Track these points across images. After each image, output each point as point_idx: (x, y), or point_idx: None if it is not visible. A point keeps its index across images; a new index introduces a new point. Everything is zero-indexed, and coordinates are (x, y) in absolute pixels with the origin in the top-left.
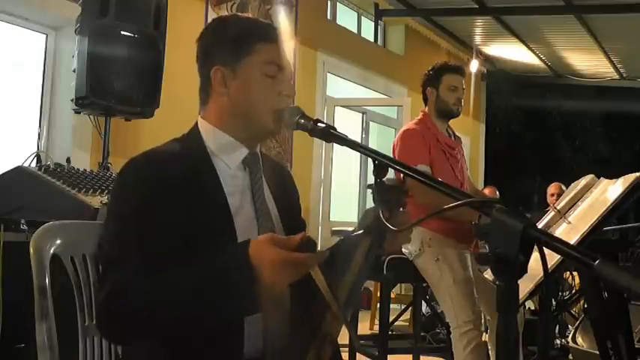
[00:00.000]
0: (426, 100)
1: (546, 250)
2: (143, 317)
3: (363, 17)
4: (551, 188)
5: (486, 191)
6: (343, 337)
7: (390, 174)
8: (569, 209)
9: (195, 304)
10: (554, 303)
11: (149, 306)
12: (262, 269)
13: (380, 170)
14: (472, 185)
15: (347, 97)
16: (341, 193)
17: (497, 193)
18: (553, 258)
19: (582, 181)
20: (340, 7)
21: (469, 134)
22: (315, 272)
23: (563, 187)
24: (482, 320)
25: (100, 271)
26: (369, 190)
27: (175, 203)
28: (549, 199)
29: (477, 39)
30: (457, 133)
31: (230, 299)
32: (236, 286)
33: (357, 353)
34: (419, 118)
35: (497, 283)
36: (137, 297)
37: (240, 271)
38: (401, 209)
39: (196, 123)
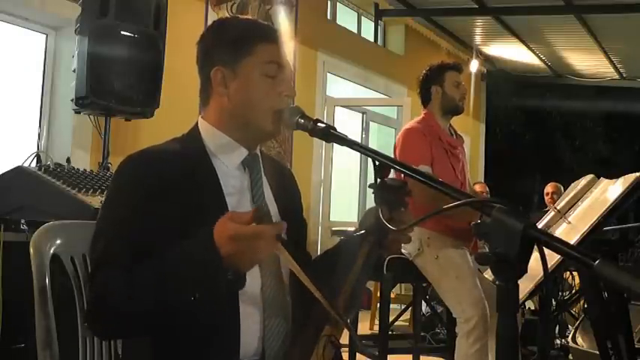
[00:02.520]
0: (424, 100)
1: (546, 250)
2: (122, 312)
3: (363, 17)
4: (548, 187)
5: (476, 187)
6: (344, 337)
7: (392, 174)
8: (569, 209)
9: (167, 292)
10: (554, 303)
11: (129, 299)
12: (224, 245)
13: (381, 171)
14: (471, 187)
15: (347, 97)
16: (341, 193)
17: (487, 188)
18: (553, 258)
19: (582, 181)
20: (340, 7)
21: (469, 134)
22: (280, 250)
23: (560, 187)
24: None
25: (91, 268)
26: (371, 190)
27: (172, 203)
28: (546, 199)
29: (477, 39)
30: (458, 132)
31: (200, 282)
32: (203, 267)
33: (357, 353)
34: (421, 117)
35: (497, 283)
36: (116, 293)
37: (205, 252)
38: (402, 209)
39: (197, 123)
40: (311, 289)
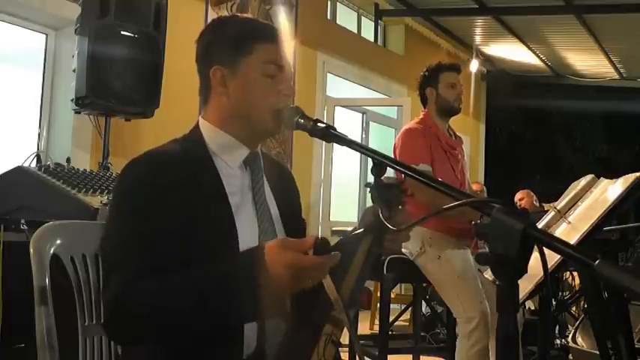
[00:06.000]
0: (423, 101)
1: (546, 250)
2: (152, 319)
3: (363, 17)
4: (518, 195)
5: (473, 186)
6: (344, 337)
7: (389, 172)
8: (569, 209)
9: (206, 308)
10: (554, 303)
11: (158, 308)
12: (278, 272)
13: (379, 169)
14: (470, 188)
15: (347, 97)
16: (341, 193)
17: (485, 188)
18: (553, 258)
19: (582, 181)
20: (340, 7)
21: (469, 134)
22: (326, 279)
23: (529, 192)
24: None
25: (104, 272)
26: (368, 189)
27: (177, 203)
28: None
29: (477, 39)
30: (457, 134)
31: (247, 303)
32: (253, 290)
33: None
34: (420, 117)
35: (497, 283)
36: (144, 299)
37: (256, 276)
38: (400, 207)
39: (197, 123)
40: (342, 317)
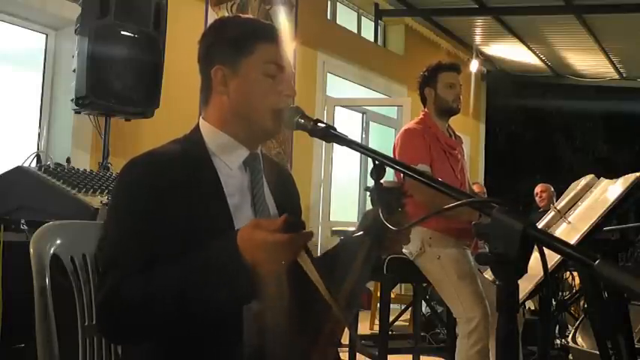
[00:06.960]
0: (424, 101)
1: (546, 250)
2: (140, 314)
3: (363, 17)
4: (538, 188)
5: (474, 187)
6: (344, 337)
7: (389, 175)
8: (569, 209)
9: (189, 297)
10: (554, 303)
11: (144, 303)
12: (250, 253)
13: (378, 171)
14: (471, 188)
15: (347, 97)
16: (341, 193)
17: (485, 189)
18: (553, 258)
19: (582, 181)
20: (340, 7)
21: (469, 134)
22: (303, 259)
23: (550, 186)
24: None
25: (99, 274)
26: (368, 192)
27: (175, 204)
28: (537, 199)
29: (477, 39)
30: (457, 133)
31: (223, 288)
32: (228, 274)
33: (357, 353)
34: (420, 117)
35: (497, 283)
36: (133, 295)
37: (230, 259)
38: (400, 210)
39: (198, 124)
40: (326, 297)
